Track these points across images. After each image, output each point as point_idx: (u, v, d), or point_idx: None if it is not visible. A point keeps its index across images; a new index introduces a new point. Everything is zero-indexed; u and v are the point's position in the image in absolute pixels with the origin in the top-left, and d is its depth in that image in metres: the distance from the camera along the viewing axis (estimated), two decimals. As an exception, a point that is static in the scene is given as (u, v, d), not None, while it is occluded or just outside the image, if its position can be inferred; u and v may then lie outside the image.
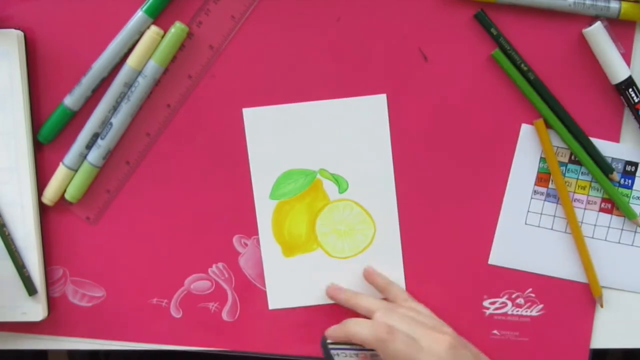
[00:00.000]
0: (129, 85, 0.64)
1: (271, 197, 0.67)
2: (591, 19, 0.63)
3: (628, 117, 0.66)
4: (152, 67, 0.63)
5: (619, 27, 0.63)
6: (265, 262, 0.68)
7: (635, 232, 0.68)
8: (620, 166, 0.66)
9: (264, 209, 0.68)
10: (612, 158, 0.66)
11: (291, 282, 0.69)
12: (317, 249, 0.69)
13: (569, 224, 0.67)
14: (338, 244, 0.68)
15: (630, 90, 0.63)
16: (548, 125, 0.65)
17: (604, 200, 0.67)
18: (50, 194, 0.66)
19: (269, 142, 0.66)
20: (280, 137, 0.66)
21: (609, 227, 0.68)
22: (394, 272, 0.68)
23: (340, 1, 0.64)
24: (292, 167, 0.67)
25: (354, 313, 0.66)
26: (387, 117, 0.66)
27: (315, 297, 0.69)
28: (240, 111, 0.66)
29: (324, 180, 0.67)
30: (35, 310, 0.67)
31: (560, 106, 0.65)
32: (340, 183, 0.67)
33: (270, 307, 0.69)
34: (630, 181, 0.67)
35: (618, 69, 0.63)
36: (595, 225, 0.68)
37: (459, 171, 0.67)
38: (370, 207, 0.68)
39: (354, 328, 0.61)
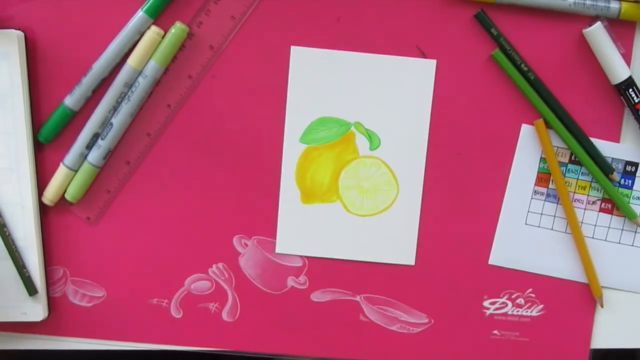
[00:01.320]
0: (130, 85, 0.64)
1: (302, 140, 0.67)
2: (591, 19, 0.63)
3: (628, 118, 0.66)
4: (153, 67, 0.63)
5: (619, 27, 0.63)
6: (282, 204, 0.68)
7: (636, 232, 0.68)
8: (620, 166, 0.67)
9: (292, 151, 0.67)
10: (612, 158, 0.66)
11: (303, 229, 0.68)
12: (336, 202, 0.68)
13: (569, 224, 0.67)
14: (358, 200, 0.68)
15: (630, 90, 0.63)
16: (548, 125, 0.65)
17: (604, 200, 0.67)
18: (50, 194, 0.66)
19: (310, 84, 0.66)
20: (323, 81, 0.66)
21: (609, 227, 0.68)
22: (407, 241, 0.68)
23: (340, 1, 0.64)
24: (329, 115, 0.66)
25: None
26: (433, 83, 0.65)
27: (323, 249, 0.69)
28: (240, 111, 0.66)
29: (357, 134, 0.67)
30: (36, 310, 0.67)
31: (560, 106, 0.65)
32: (373, 140, 0.67)
33: (277, 250, 0.69)
34: (630, 181, 0.67)
35: (618, 69, 0.63)
36: (595, 225, 0.68)
37: (459, 171, 0.67)
38: (398, 169, 0.67)
39: None
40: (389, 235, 0.68)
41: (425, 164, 0.67)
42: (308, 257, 0.68)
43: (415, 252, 0.68)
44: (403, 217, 0.68)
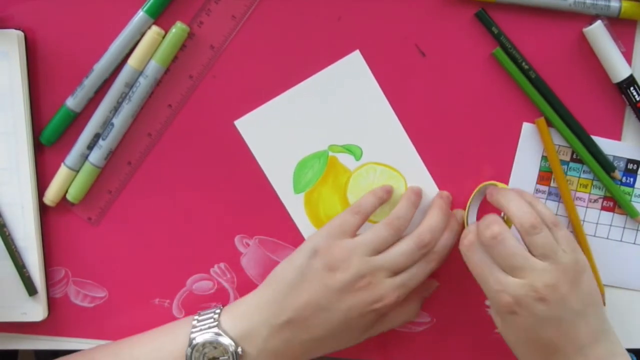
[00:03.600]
0: (130, 85, 0.64)
1: (295, 191, 0.67)
2: (591, 18, 0.63)
3: (629, 116, 0.66)
4: (153, 67, 0.63)
5: (619, 26, 0.63)
6: None
7: (637, 230, 0.68)
8: (622, 164, 0.67)
9: (294, 204, 0.68)
10: (614, 156, 0.66)
11: None
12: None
13: (571, 223, 0.67)
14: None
15: (631, 88, 0.63)
16: (549, 123, 0.65)
17: (605, 198, 0.67)
18: (51, 195, 0.66)
19: (271, 141, 0.66)
20: (279, 132, 0.66)
21: (610, 225, 0.68)
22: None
23: (341, 1, 0.64)
24: (303, 155, 0.67)
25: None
26: (369, 69, 0.65)
27: None
28: (241, 111, 0.66)
29: (337, 155, 0.67)
30: (36, 310, 0.67)
31: (562, 104, 0.65)
32: (354, 151, 0.67)
33: None
34: (632, 179, 0.67)
35: (619, 68, 0.63)
36: (597, 223, 0.68)
37: (461, 170, 0.67)
38: (392, 160, 0.67)
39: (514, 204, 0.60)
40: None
41: (418, 152, 0.67)
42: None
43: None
44: (423, 192, 0.67)
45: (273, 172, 0.67)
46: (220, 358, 0.60)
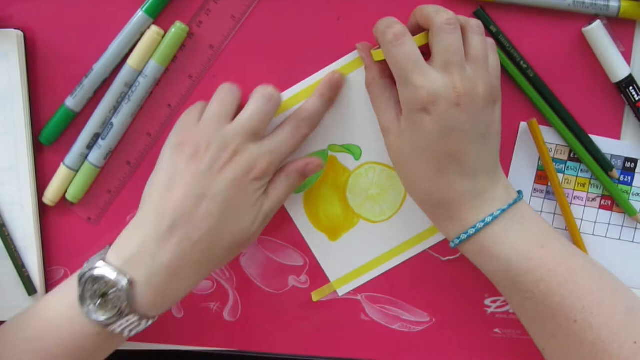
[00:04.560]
0: (130, 85, 0.64)
1: (295, 191, 0.67)
2: (591, 18, 0.64)
3: (629, 115, 0.66)
4: (153, 67, 0.63)
5: (618, 25, 0.64)
6: (317, 254, 0.69)
7: (636, 228, 0.68)
8: (619, 163, 0.67)
9: (293, 205, 0.68)
10: (612, 155, 0.66)
11: (347, 262, 0.69)
12: (359, 221, 0.68)
13: (566, 222, 0.67)
14: (376, 207, 0.68)
15: (630, 88, 0.63)
16: (547, 122, 0.66)
17: (603, 197, 0.68)
18: (51, 195, 0.66)
19: None
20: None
21: (609, 224, 0.68)
22: None
23: (341, 1, 0.64)
24: (302, 155, 0.66)
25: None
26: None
27: (375, 269, 0.69)
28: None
29: (337, 155, 0.67)
30: (36, 310, 0.67)
31: (559, 103, 0.65)
32: (353, 151, 0.67)
33: (341, 294, 0.69)
34: (629, 178, 0.67)
35: (618, 68, 0.63)
36: (595, 222, 0.68)
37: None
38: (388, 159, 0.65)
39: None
40: (418, 221, 0.67)
41: None
42: (309, 257, 0.69)
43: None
44: None
45: None
46: (109, 292, 0.56)
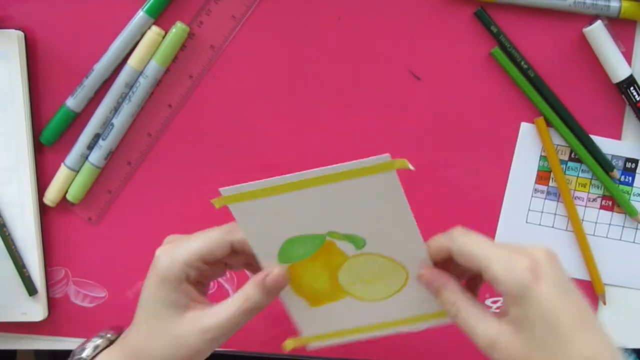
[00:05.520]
0: (130, 85, 0.64)
1: (280, 261, 0.54)
2: (591, 18, 0.64)
3: (629, 116, 0.66)
4: (153, 68, 0.63)
5: (619, 26, 0.64)
6: (293, 313, 0.58)
7: (637, 229, 0.68)
8: (620, 163, 0.67)
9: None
10: (612, 155, 0.66)
11: (326, 325, 0.59)
12: (346, 297, 0.57)
13: (571, 222, 0.67)
14: (368, 290, 0.57)
15: (631, 88, 0.63)
16: (548, 123, 0.66)
17: (604, 197, 0.68)
18: (51, 195, 0.66)
19: (261, 218, 0.52)
20: (274, 212, 0.52)
21: (610, 224, 0.68)
22: (430, 304, 0.56)
23: (341, 1, 0.64)
24: (296, 234, 0.53)
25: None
26: (400, 188, 0.52)
27: (353, 336, 0.60)
28: (240, 111, 0.66)
29: (336, 241, 0.54)
30: (36, 310, 0.68)
31: (560, 103, 0.65)
32: (356, 241, 0.54)
33: (309, 349, 0.60)
34: (630, 178, 0.67)
35: (619, 68, 0.63)
36: (596, 222, 0.68)
37: (459, 169, 0.67)
38: (397, 255, 0.55)
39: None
40: (411, 305, 0.57)
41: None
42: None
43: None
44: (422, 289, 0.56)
45: (257, 244, 0.53)
46: None
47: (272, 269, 0.52)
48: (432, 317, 0.58)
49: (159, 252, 0.52)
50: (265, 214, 0.52)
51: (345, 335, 0.60)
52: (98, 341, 0.58)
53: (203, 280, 0.54)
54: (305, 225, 0.53)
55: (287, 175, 0.49)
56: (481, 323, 0.50)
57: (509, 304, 0.48)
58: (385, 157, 0.49)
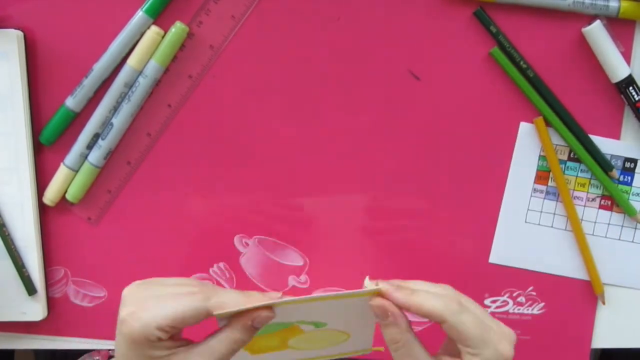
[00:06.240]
0: (130, 85, 0.64)
1: None
2: (590, 18, 0.64)
3: (628, 115, 0.66)
4: (153, 67, 0.63)
5: (618, 25, 0.64)
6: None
7: (636, 228, 0.68)
8: (619, 163, 0.67)
9: None
10: (611, 155, 0.67)
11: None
12: (287, 349, 0.59)
13: (570, 221, 0.67)
14: (310, 344, 0.59)
15: (630, 88, 0.64)
16: (547, 123, 0.66)
17: (603, 197, 0.68)
18: (51, 195, 0.66)
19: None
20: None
21: (609, 224, 0.68)
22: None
23: (341, 1, 0.64)
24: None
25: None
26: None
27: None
28: (240, 111, 0.66)
29: (300, 325, 0.56)
30: (35, 310, 0.67)
31: (559, 103, 0.65)
32: (319, 325, 0.57)
33: None
34: (629, 178, 0.67)
35: (618, 68, 0.63)
36: (595, 222, 0.68)
37: (458, 170, 0.67)
38: (349, 329, 0.58)
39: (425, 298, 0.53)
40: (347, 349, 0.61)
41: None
42: (309, 257, 0.68)
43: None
44: (359, 344, 0.61)
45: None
46: None
47: (260, 313, 0.52)
48: (362, 351, 0.63)
49: (125, 315, 0.51)
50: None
51: None
52: None
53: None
54: (278, 319, 0.53)
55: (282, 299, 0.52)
56: None
57: None
58: (373, 290, 0.53)
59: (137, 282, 0.54)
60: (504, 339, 0.53)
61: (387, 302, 0.54)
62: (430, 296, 0.54)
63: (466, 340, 0.52)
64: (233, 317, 0.52)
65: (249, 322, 0.51)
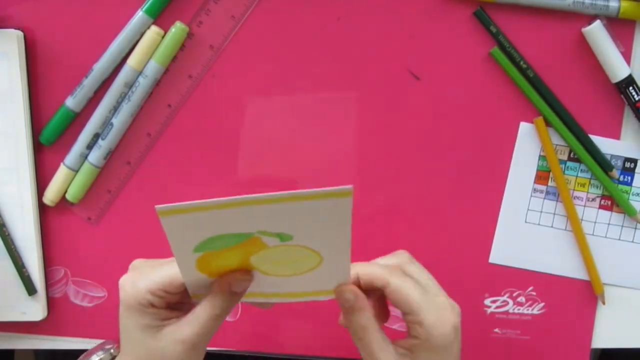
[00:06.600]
0: (130, 85, 0.64)
1: (195, 250, 0.50)
2: (591, 18, 0.64)
3: (628, 115, 0.66)
4: (153, 67, 0.63)
5: (618, 25, 0.64)
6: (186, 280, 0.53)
7: (636, 228, 0.68)
8: (619, 163, 0.67)
9: (185, 259, 0.51)
10: (611, 155, 0.67)
11: None
12: (253, 270, 0.53)
13: (570, 221, 0.67)
14: (277, 268, 0.53)
15: (630, 88, 0.64)
16: (547, 123, 0.66)
17: (603, 197, 0.68)
18: (51, 195, 0.66)
19: (191, 230, 0.48)
20: (207, 225, 0.48)
21: (609, 224, 0.68)
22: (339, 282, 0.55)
23: (341, 1, 0.64)
24: (221, 233, 0.48)
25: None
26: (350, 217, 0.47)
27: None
28: (240, 111, 0.66)
29: (263, 237, 0.49)
30: (35, 310, 0.68)
31: (559, 103, 0.65)
32: (284, 237, 0.49)
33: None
34: (629, 178, 0.67)
35: (618, 68, 0.63)
36: (595, 222, 0.68)
37: (458, 170, 0.67)
38: (318, 247, 0.51)
39: (373, 266, 0.55)
40: (318, 283, 0.55)
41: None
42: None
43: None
44: (332, 272, 0.53)
45: (174, 237, 0.48)
46: None
47: (235, 275, 0.52)
48: (323, 294, 0.56)
49: (122, 280, 0.54)
50: (197, 222, 0.48)
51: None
52: (102, 355, 0.61)
53: (180, 302, 0.54)
54: (235, 221, 0.48)
55: (230, 197, 0.47)
56: (382, 353, 0.54)
57: (421, 347, 0.53)
58: (348, 188, 0.45)
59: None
60: (449, 307, 0.54)
61: (356, 288, 0.54)
62: (378, 265, 0.55)
63: (408, 304, 0.52)
64: (213, 284, 0.53)
65: (226, 287, 0.52)
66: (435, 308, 0.53)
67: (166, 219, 0.47)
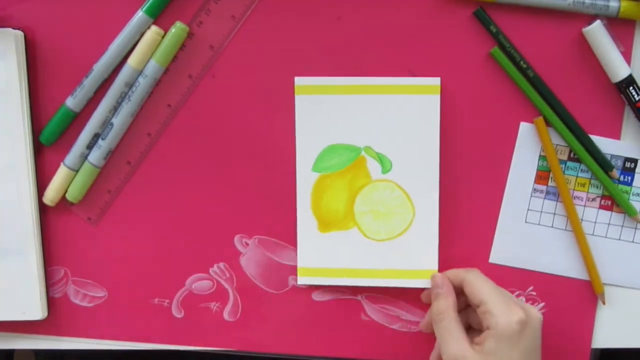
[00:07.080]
0: (130, 85, 0.64)
1: (314, 169, 0.67)
2: (591, 18, 0.64)
3: (629, 115, 0.66)
4: (153, 67, 0.63)
5: (618, 25, 0.64)
6: (300, 234, 0.68)
7: (636, 228, 0.68)
8: (619, 163, 0.67)
9: (305, 180, 0.67)
10: (612, 155, 0.66)
11: (322, 257, 0.68)
12: (353, 228, 0.67)
13: (570, 221, 0.67)
14: (374, 225, 0.67)
15: (630, 88, 0.63)
16: (547, 122, 0.66)
17: (603, 197, 0.67)
18: (51, 195, 0.66)
19: (317, 113, 0.66)
20: (329, 109, 0.66)
21: (609, 224, 0.68)
22: (428, 261, 0.68)
23: (341, 1, 0.64)
24: (338, 142, 0.66)
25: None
26: (439, 113, 0.65)
27: (343, 277, 0.68)
28: (240, 110, 0.66)
29: (368, 158, 0.66)
30: (35, 309, 0.67)
31: (559, 103, 0.65)
32: (384, 163, 0.66)
33: (300, 282, 0.68)
34: (629, 178, 0.67)
35: (618, 68, 0.63)
36: (595, 222, 0.68)
37: (458, 170, 0.67)
38: (412, 191, 0.67)
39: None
40: (407, 257, 0.68)
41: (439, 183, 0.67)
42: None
43: (437, 267, 0.68)
44: (421, 238, 0.67)
45: (303, 141, 0.67)
46: None
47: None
48: (420, 274, 0.68)
49: None
50: (321, 110, 0.65)
51: (335, 275, 0.68)
52: None
53: None
54: (348, 133, 0.66)
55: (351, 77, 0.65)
56: (455, 340, 0.60)
57: (488, 335, 0.59)
58: (436, 80, 0.65)
59: None
60: (519, 305, 0.60)
61: (445, 277, 0.65)
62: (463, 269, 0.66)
63: (480, 294, 0.61)
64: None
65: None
66: (505, 302, 0.60)
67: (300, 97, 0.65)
